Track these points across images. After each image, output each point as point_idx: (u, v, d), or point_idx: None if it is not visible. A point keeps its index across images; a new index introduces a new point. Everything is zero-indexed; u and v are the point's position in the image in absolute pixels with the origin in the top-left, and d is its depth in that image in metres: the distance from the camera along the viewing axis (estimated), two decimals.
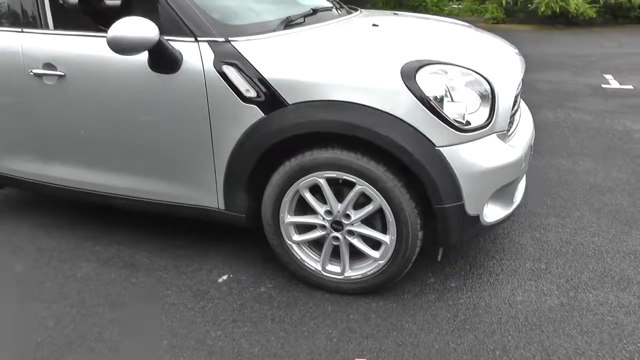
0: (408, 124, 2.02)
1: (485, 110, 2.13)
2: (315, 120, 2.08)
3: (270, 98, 2.14)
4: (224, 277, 2.53)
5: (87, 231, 2.96)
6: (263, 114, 2.16)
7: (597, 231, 2.90)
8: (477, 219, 2.20)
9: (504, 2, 11.82)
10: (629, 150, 3.98)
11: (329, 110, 2.06)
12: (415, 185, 2.15)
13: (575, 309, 2.29)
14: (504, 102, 2.19)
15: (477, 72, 2.14)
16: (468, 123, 2.08)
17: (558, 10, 10.76)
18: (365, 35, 2.57)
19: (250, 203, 2.39)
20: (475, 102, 2.12)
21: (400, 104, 2.03)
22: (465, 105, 2.09)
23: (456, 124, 2.05)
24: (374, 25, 2.62)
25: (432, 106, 2.02)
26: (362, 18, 3.02)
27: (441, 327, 2.19)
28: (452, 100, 2.07)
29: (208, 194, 2.41)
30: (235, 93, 2.17)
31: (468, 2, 14.17)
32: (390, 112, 2.02)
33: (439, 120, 2.03)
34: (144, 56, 2.21)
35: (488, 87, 2.13)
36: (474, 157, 2.10)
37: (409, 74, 2.04)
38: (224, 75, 2.18)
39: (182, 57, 2.22)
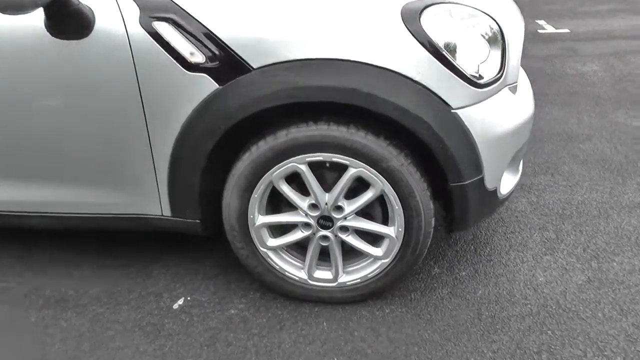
0: (418, 82, 1.53)
1: (497, 60, 1.69)
2: (295, 87, 1.53)
3: (226, 62, 1.56)
4: (180, 302, 1.96)
5: None
6: (217, 85, 1.59)
7: (592, 186, 2.62)
8: (494, 193, 1.80)
9: None
10: (589, 93, 3.76)
11: (312, 73, 1.52)
12: (422, 161, 1.69)
13: (604, 283, 1.97)
14: (514, 50, 1.77)
15: (487, 14, 1.68)
16: (481, 76, 1.64)
17: None
18: None
19: (206, 204, 1.83)
20: (484, 49, 1.67)
21: (405, 57, 1.53)
22: (477, 55, 1.64)
23: (472, 78, 1.60)
24: None
25: (444, 57, 1.55)
26: None
27: (468, 331, 1.78)
28: (458, 48, 1.61)
29: (147, 198, 1.83)
30: (175, 59, 1.58)
31: None
32: (394, 69, 1.52)
33: (454, 75, 1.56)
34: (39, 17, 1.56)
35: (498, 32, 1.69)
36: (492, 118, 1.67)
37: (411, 17, 1.54)
38: (156, 36, 1.57)
39: (93, 15, 1.58)
